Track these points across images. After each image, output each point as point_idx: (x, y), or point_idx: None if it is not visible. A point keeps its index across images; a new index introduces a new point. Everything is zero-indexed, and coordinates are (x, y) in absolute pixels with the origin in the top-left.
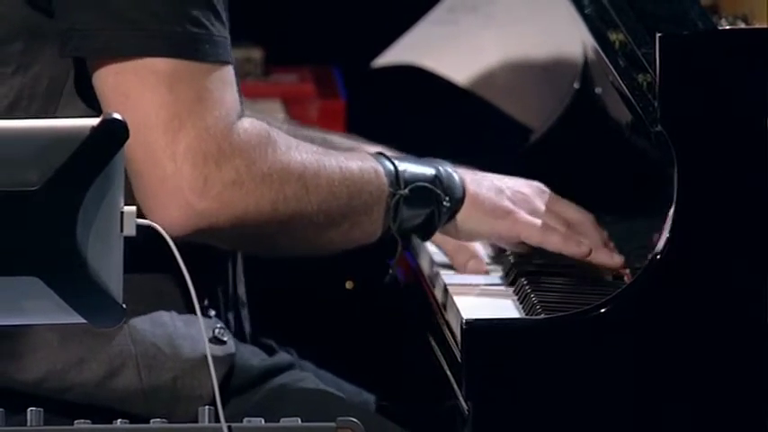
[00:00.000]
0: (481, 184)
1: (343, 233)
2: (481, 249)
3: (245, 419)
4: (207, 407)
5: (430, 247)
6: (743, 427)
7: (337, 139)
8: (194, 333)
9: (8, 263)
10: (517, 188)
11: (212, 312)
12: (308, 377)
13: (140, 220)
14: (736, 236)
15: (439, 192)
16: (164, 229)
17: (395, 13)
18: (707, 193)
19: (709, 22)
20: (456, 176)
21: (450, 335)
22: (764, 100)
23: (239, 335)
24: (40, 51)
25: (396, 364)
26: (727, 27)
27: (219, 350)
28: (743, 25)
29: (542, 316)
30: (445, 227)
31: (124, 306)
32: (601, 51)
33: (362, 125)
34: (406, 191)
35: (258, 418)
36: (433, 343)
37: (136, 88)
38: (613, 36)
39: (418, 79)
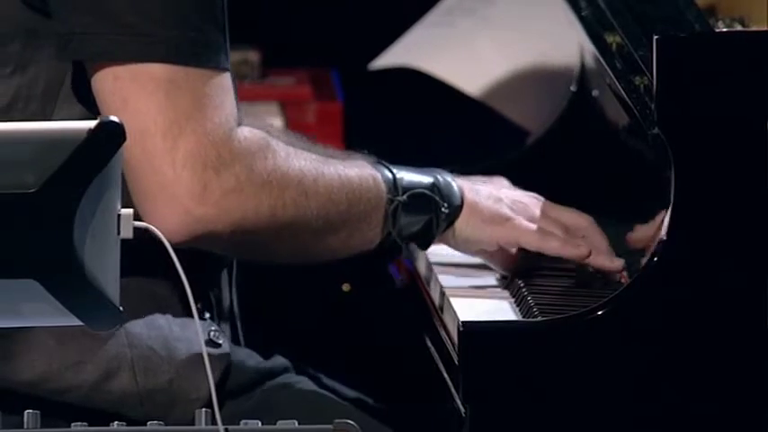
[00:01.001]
0: (479, 192)
1: (342, 240)
2: None
3: (242, 422)
4: (204, 409)
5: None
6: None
7: (336, 152)
8: (190, 336)
9: (5, 265)
10: (515, 197)
11: (207, 315)
12: (304, 380)
13: (137, 223)
14: (734, 238)
15: (437, 199)
16: (163, 236)
17: (392, 16)
18: (704, 195)
19: (706, 25)
20: (454, 185)
21: (446, 337)
22: (761, 102)
23: (231, 320)
24: (38, 52)
25: (392, 367)
26: (724, 29)
27: (215, 352)
28: (740, 28)
29: (539, 318)
30: (443, 235)
31: (121, 309)
32: (598, 54)
33: (360, 128)
34: (405, 197)
35: (255, 421)
36: (430, 345)
37: (134, 94)
38: (610, 38)
39: (415, 82)
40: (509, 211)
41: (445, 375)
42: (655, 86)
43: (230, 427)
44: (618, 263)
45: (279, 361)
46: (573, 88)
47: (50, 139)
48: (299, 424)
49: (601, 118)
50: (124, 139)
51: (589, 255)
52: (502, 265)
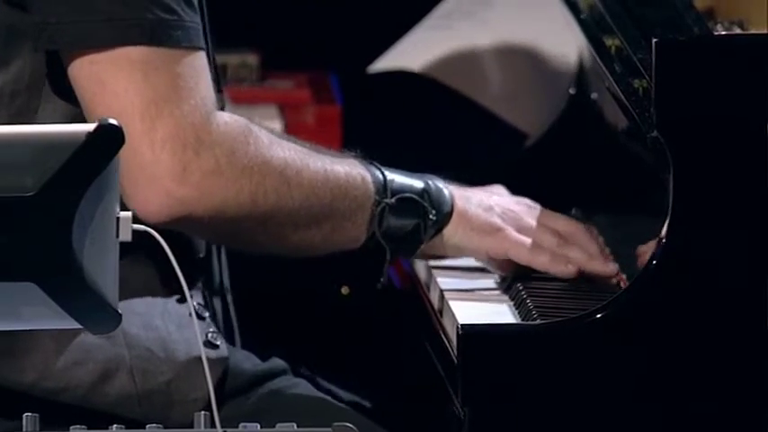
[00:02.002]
0: (470, 200)
1: (324, 235)
2: None
3: (241, 425)
4: (203, 412)
5: None
6: None
7: (328, 150)
8: (187, 337)
9: (4, 268)
10: (507, 206)
11: (206, 314)
12: (302, 382)
13: (136, 226)
14: (732, 241)
15: (426, 205)
16: (142, 216)
17: (391, 19)
18: (702, 198)
19: (705, 28)
20: (446, 192)
21: (445, 340)
22: (760, 105)
23: (227, 322)
24: (20, 47)
25: (392, 370)
26: (723, 32)
27: (213, 354)
28: (739, 30)
29: (538, 321)
30: (432, 241)
31: (120, 311)
32: (597, 56)
33: (358, 131)
34: (393, 200)
35: (254, 424)
36: (429, 348)
37: (111, 77)
38: (609, 41)
39: (414, 85)
40: (500, 221)
41: (444, 378)
42: (653, 89)
43: (229, 430)
44: (612, 267)
45: (276, 363)
46: (572, 91)
47: (49, 142)
48: (297, 427)
49: (599, 121)
50: (123, 141)
51: (578, 271)
52: (499, 267)
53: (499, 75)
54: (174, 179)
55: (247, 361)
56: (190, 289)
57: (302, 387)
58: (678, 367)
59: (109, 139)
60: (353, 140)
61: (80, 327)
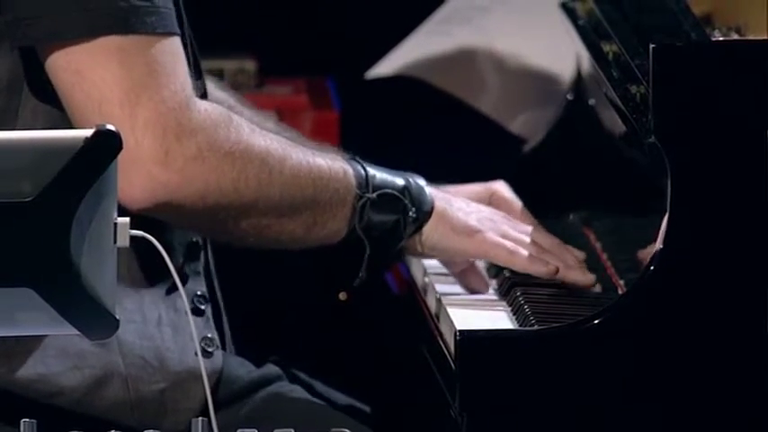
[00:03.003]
0: (450, 202)
1: (306, 227)
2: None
3: (239, 431)
4: (200, 418)
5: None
6: None
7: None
8: (182, 345)
9: (1, 274)
10: (486, 214)
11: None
12: (297, 388)
13: (134, 231)
14: (730, 247)
15: (406, 202)
16: (126, 202)
17: (388, 25)
18: (700, 203)
19: (702, 34)
20: (426, 191)
21: (443, 345)
22: (758, 111)
23: (215, 306)
24: None
25: (389, 375)
26: (721, 38)
27: (207, 362)
28: (736, 36)
29: (536, 327)
30: (411, 239)
31: (118, 317)
32: (594, 62)
33: (356, 136)
34: (374, 195)
35: (251, 429)
36: (427, 354)
37: (88, 66)
38: (607, 47)
39: (412, 90)
40: (478, 224)
41: (442, 384)
42: (651, 95)
43: None
44: (590, 277)
45: (271, 369)
46: (569, 97)
47: (47, 148)
48: None
49: (597, 126)
50: (121, 147)
51: (557, 272)
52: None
53: (497, 80)
54: (157, 163)
55: (242, 367)
56: (192, 276)
57: (298, 393)
58: (677, 373)
59: (106, 145)
60: (351, 146)
61: (77, 332)
